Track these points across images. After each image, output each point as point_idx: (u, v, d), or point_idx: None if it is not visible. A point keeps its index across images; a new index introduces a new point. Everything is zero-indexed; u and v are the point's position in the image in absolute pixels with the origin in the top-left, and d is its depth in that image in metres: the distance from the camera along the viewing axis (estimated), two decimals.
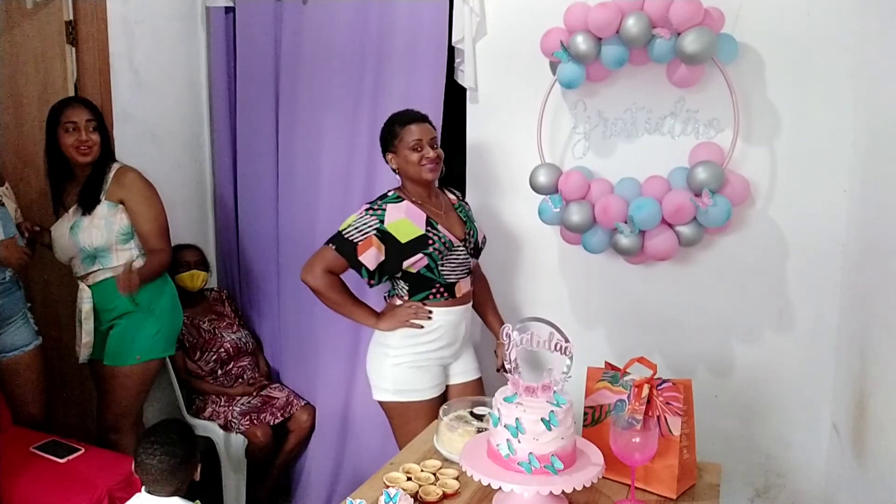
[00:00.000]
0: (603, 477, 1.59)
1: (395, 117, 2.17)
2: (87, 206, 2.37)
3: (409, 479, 1.71)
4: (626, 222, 2.13)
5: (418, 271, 2.11)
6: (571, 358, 1.50)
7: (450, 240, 2.12)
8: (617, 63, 2.12)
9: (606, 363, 1.83)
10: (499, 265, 2.56)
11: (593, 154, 2.36)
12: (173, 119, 3.00)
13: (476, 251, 2.25)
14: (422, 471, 1.75)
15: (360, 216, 2.10)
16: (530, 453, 1.46)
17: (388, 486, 1.62)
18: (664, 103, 2.23)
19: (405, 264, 2.09)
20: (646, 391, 1.65)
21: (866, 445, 1.80)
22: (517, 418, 1.47)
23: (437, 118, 2.56)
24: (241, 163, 3.03)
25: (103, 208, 2.37)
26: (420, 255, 2.07)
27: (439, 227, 2.12)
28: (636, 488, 1.67)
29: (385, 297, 2.25)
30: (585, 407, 1.81)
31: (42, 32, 2.68)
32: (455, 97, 2.58)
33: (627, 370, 1.76)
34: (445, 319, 2.16)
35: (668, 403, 1.67)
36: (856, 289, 2.00)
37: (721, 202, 2.05)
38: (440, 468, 1.77)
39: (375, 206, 2.11)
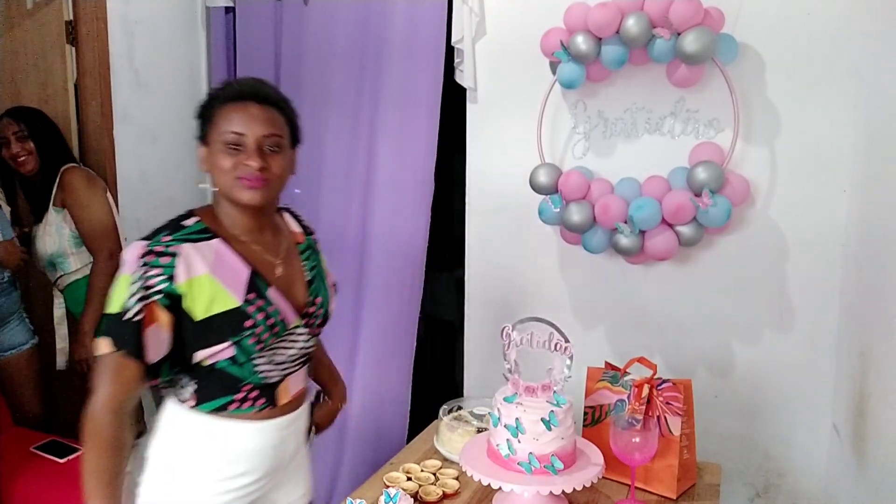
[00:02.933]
0: (603, 477, 1.59)
1: (217, 90, 1.40)
2: (37, 215, 2.39)
3: (409, 479, 1.72)
4: (626, 222, 2.13)
5: (213, 364, 1.31)
6: (571, 358, 1.50)
7: (282, 320, 1.35)
8: (617, 63, 2.11)
9: (606, 363, 1.83)
10: (499, 265, 2.56)
11: (593, 154, 2.36)
12: (173, 119, 3.00)
13: (322, 325, 1.50)
14: (422, 471, 1.75)
15: (133, 271, 1.26)
16: (530, 453, 1.46)
17: (388, 486, 1.62)
18: (664, 103, 2.23)
19: (198, 356, 1.30)
20: (646, 391, 1.65)
21: (866, 445, 1.80)
22: (517, 418, 1.47)
23: (435, 117, 2.56)
24: None
25: (51, 215, 2.37)
26: (227, 344, 1.29)
27: (270, 293, 1.33)
28: (636, 488, 1.67)
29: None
30: (585, 407, 1.81)
31: (42, 32, 2.68)
32: (455, 97, 2.58)
33: (627, 370, 1.76)
34: (258, 443, 1.38)
35: (668, 403, 1.67)
36: (856, 289, 2.00)
37: (721, 202, 2.05)
38: (440, 468, 1.77)
39: (158, 249, 1.26)
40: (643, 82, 2.24)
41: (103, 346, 1.26)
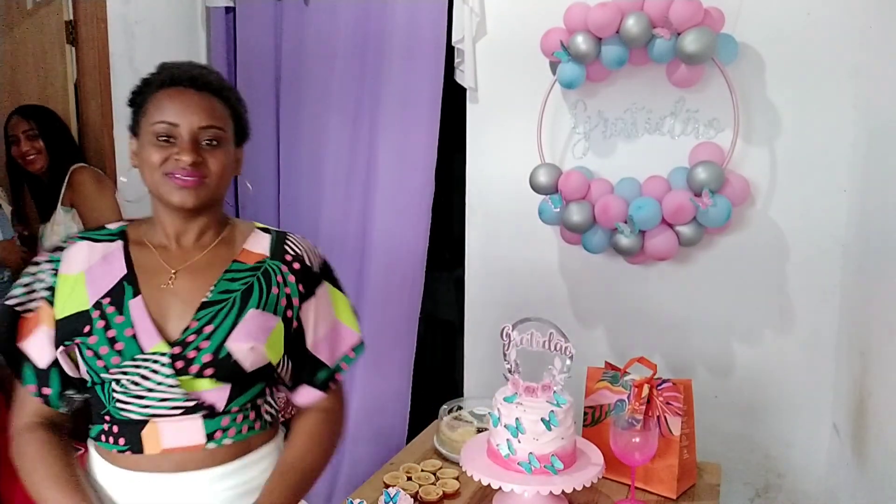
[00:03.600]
0: (603, 477, 1.59)
1: (152, 74, 1.25)
2: (44, 213, 2.39)
3: (409, 478, 1.72)
4: (626, 222, 2.13)
5: (88, 382, 1.18)
6: (571, 358, 1.50)
7: (131, 336, 1.11)
8: (617, 63, 2.11)
9: (606, 363, 1.83)
10: (499, 265, 2.56)
11: (593, 154, 2.36)
12: None
13: (220, 368, 1.14)
14: (422, 471, 1.75)
15: (35, 264, 1.22)
16: (530, 453, 1.46)
17: (388, 486, 1.62)
18: (664, 103, 2.23)
19: (59, 360, 1.17)
20: (646, 391, 1.65)
21: (866, 445, 1.80)
22: (517, 418, 1.47)
23: (436, 117, 2.56)
24: (244, 161, 3.02)
25: (59, 214, 2.37)
26: (60, 350, 1.15)
27: (131, 303, 1.13)
28: (636, 488, 1.67)
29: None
30: (585, 407, 1.81)
31: (42, 32, 2.68)
32: (455, 97, 2.58)
33: (627, 370, 1.76)
34: (118, 494, 1.19)
35: (668, 403, 1.67)
36: (856, 289, 2.00)
37: (721, 202, 2.05)
38: (440, 468, 1.77)
39: (62, 244, 1.21)
40: (643, 82, 2.24)
41: None
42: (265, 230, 1.29)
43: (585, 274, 2.43)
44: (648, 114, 2.26)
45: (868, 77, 1.96)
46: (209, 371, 1.13)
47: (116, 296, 1.14)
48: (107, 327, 1.12)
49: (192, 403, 1.14)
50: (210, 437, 1.16)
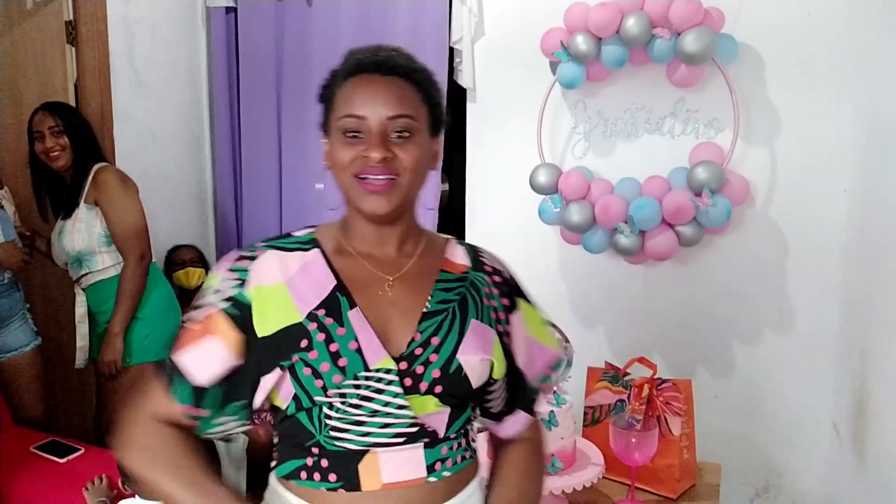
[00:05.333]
0: (603, 477, 1.59)
1: (340, 63, 1.06)
2: (67, 211, 2.38)
3: None
4: (626, 222, 2.13)
5: (287, 408, 1.00)
6: (571, 358, 1.50)
7: (356, 351, 0.97)
8: (617, 63, 2.11)
9: (606, 363, 1.83)
10: None
11: (593, 154, 2.35)
12: (173, 119, 3.00)
13: (450, 385, 1.01)
14: None
15: (214, 275, 1.05)
16: None
17: None
18: (664, 103, 2.23)
19: (262, 390, 0.99)
20: (646, 391, 1.65)
21: (866, 445, 1.80)
22: None
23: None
24: (245, 162, 3.03)
25: (82, 212, 2.36)
26: (278, 374, 0.97)
27: (351, 314, 1.00)
28: (636, 488, 1.67)
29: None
30: (585, 407, 1.81)
31: (42, 32, 2.68)
32: (455, 97, 2.58)
33: (627, 370, 1.76)
34: None
35: (668, 403, 1.67)
36: (856, 289, 2.00)
37: (721, 202, 2.05)
38: None
39: (245, 254, 1.05)
40: (643, 82, 2.24)
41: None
42: (458, 242, 1.17)
43: (585, 274, 2.43)
44: (648, 114, 2.26)
45: (868, 77, 1.96)
46: (438, 388, 0.99)
47: (332, 307, 0.99)
48: (328, 340, 0.96)
49: (415, 429, 0.99)
50: (430, 468, 1.01)
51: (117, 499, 2.00)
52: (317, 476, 0.99)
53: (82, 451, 2.25)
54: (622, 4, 2.05)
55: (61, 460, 2.19)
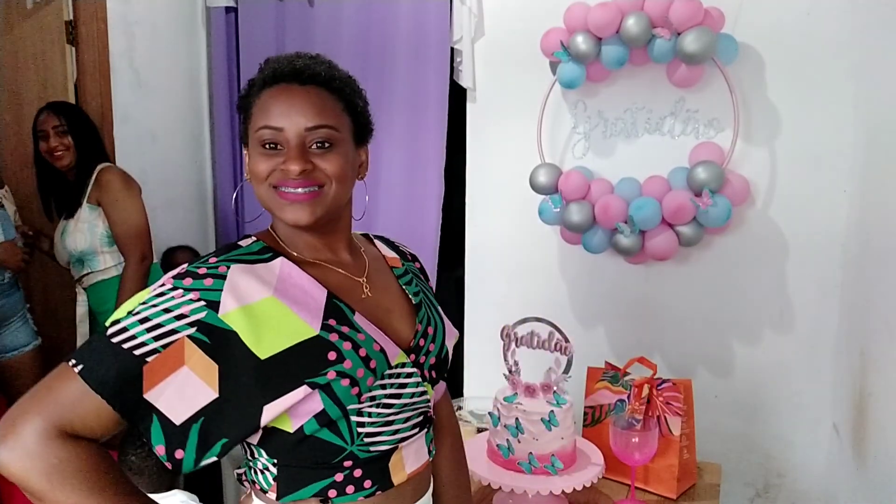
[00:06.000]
0: (603, 477, 1.59)
1: (258, 72, 1.02)
2: (69, 211, 2.38)
3: None
4: (626, 222, 2.13)
5: (301, 429, 0.94)
6: (571, 358, 1.50)
7: (380, 351, 0.98)
8: (617, 63, 2.11)
9: (606, 363, 1.83)
10: (499, 265, 2.56)
11: (593, 154, 2.36)
12: (173, 119, 3.00)
13: (440, 369, 1.10)
14: None
15: (155, 292, 0.94)
16: (530, 453, 1.46)
17: None
18: (664, 103, 2.23)
19: (268, 413, 0.91)
20: (646, 391, 1.65)
21: (866, 445, 1.80)
22: (517, 418, 1.47)
23: (442, 118, 2.56)
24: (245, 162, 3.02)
25: (85, 211, 2.36)
26: (305, 391, 0.91)
27: (356, 317, 0.99)
28: (636, 488, 1.67)
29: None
30: (585, 407, 1.81)
31: (42, 32, 2.68)
32: (455, 97, 2.58)
33: (627, 370, 1.76)
34: None
35: (668, 403, 1.67)
36: (856, 289, 2.00)
37: (721, 202, 2.05)
38: None
39: (199, 270, 0.93)
40: (643, 82, 2.24)
41: (66, 365, 0.92)
42: (373, 237, 1.23)
43: (585, 274, 2.43)
44: (648, 114, 2.26)
45: (868, 77, 1.96)
46: (434, 373, 1.07)
47: (338, 315, 0.97)
48: (355, 346, 0.95)
49: (423, 417, 1.05)
50: (429, 450, 1.09)
51: None
52: (350, 489, 0.97)
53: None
54: (622, 4, 2.05)
55: None
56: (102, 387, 0.87)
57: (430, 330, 1.08)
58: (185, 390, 0.88)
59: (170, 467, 0.90)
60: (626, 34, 2.03)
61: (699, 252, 2.25)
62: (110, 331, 0.92)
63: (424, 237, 2.63)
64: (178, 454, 0.89)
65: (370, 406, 0.96)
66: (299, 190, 0.96)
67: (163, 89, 2.93)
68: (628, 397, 1.67)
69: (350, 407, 0.94)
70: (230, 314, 0.90)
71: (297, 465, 0.95)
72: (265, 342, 0.90)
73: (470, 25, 2.43)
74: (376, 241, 1.21)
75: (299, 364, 0.91)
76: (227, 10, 2.96)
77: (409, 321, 1.06)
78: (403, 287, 1.11)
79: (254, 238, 1.03)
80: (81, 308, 2.44)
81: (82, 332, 2.44)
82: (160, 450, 0.89)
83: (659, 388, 1.67)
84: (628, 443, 1.54)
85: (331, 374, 0.92)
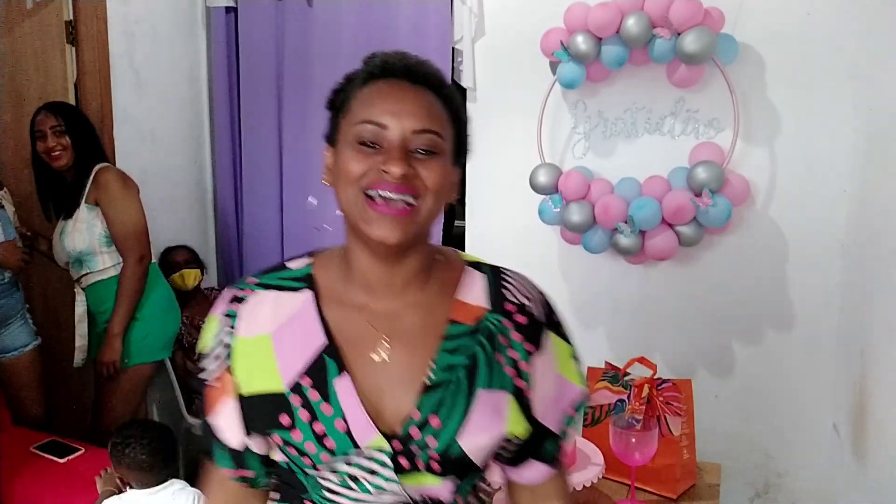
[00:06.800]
0: (603, 477, 1.59)
1: (363, 65, 0.93)
2: (68, 211, 2.38)
3: None
4: (626, 222, 2.13)
5: (287, 465, 0.92)
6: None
7: (345, 433, 0.87)
8: (617, 63, 2.11)
9: (606, 363, 1.83)
10: (499, 265, 2.56)
11: (593, 154, 2.35)
12: (173, 119, 3.00)
13: (455, 465, 0.89)
14: None
15: (216, 317, 0.95)
16: None
17: None
18: (664, 103, 2.23)
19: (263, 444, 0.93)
20: (646, 391, 1.65)
21: (866, 445, 1.80)
22: None
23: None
24: (245, 163, 3.03)
25: (83, 212, 2.36)
26: (259, 439, 0.91)
27: (337, 383, 0.87)
28: (636, 488, 1.67)
29: None
30: (585, 407, 1.81)
31: (42, 32, 2.68)
32: None
33: (627, 370, 1.76)
34: None
35: (668, 403, 1.67)
36: (856, 289, 2.00)
37: (721, 202, 2.05)
38: None
39: (236, 293, 0.94)
40: (643, 82, 2.24)
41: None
42: (476, 265, 0.99)
43: (585, 274, 2.43)
44: (648, 114, 2.26)
45: (868, 77, 1.96)
46: (437, 467, 0.88)
47: (317, 375, 0.87)
48: (312, 419, 0.86)
49: (417, 497, 0.90)
50: None
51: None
52: None
53: (82, 451, 2.25)
54: (622, 4, 2.05)
55: (61, 460, 2.19)
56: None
57: (436, 422, 0.87)
58: (232, 418, 0.92)
59: (240, 486, 0.96)
60: (626, 34, 2.03)
61: (699, 252, 2.25)
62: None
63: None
64: (245, 473, 0.95)
65: (330, 474, 0.88)
66: (394, 196, 0.83)
67: (163, 89, 2.93)
68: (628, 397, 1.67)
69: (307, 471, 0.89)
70: (236, 339, 0.91)
71: (283, 484, 0.96)
72: (245, 379, 0.90)
73: (470, 25, 2.43)
74: (474, 280, 0.96)
75: (259, 414, 0.89)
76: (227, 10, 2.96)
77: (409, 402, 0.87)
78: (434, 356, 0.89)
79: (308, 261, 0.96)
80: (80, 308, 2.44)
81: (81, 332, 2.44)
82: (227, 472, 0.95)
83: (659, 388, 1.67)
84: (628, 443, 1.54)
85: (276, 438, 0.88)
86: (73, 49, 2.66)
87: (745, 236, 2.21)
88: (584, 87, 2.24)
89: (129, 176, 2.44)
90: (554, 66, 2.25)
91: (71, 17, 2.65)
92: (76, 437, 2.40)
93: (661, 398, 1.67)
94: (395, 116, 0.85)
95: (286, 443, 0.87)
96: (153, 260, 2.51)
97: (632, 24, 2.01)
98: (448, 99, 0.91)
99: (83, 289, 2.43)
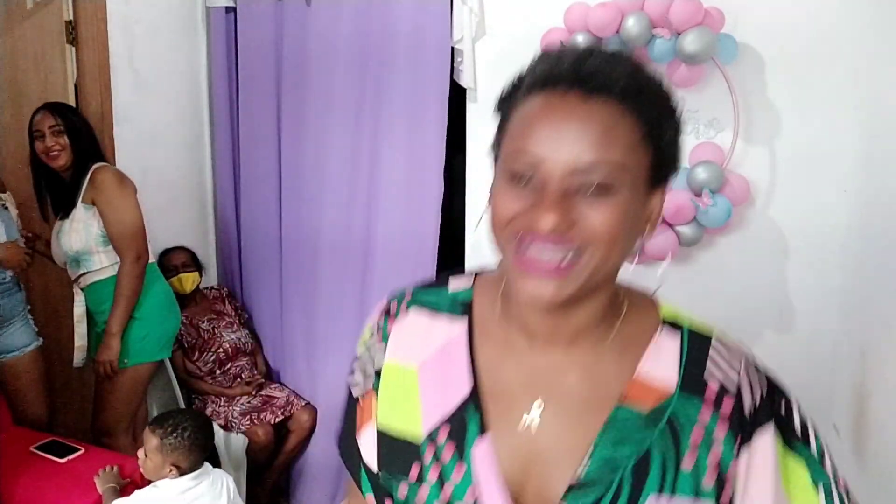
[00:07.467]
0: None
1: (531, 66, 0.77)
2: (65, 211, 2.38)
3: None
4: None
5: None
6: None
7: (472, 502, 0.71)
8: None
9: None
10: None
11: None
12: (173, 119, 3.00)
13: None
14: None
15: (369, 327, 0.87)
16: None
17: None
18: None
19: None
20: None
21: (866, 445, 1.80)
22: None
23: (442, 118, 2.55)
24: (244, 163, 3.03)
25: (80, 211, 2.36)
26: (377, 476, 0.80)
27: (476, 451, 0.72)
28: None
29: None
30: None
31: (42, 32, 2.68)
32: (455, 97, 2.58)
33: None
34: None
35: None
36: (856, 289, 2.00)
37: (721, 202, 2.05)
38: None
39: (392, 306, 0.84)
40: None
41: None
42: (674, 324, 0.79)
43: None
44: None
45: (868, 77, 1.96)
46: None
47: (457, 428, 0.73)
48: (441, 479, 0.72)
49: None
50: None
51: (127, 486, 2.03)
52: None
53: (82, 451, 2.25)
54: (622, 4, 2.05)
55: (61, 460, 2.18)
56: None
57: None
58: (372, 442, 0.80)
59: None
60: (626, 34, 2.03)
61: (699, 252, 2.25)
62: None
63: (424, 238, 2.62)
64: (388, 501, 0.78)
65: None
66: (545, 256, 0.66)
67: (163, 89, 2.93)
68: None
69: None
70: (385, 362, 0.80)
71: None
72: (385, 410, 0.78)
73: (471, 25, 2.43)
74: (665, 345, 0.75)
75: (393, 456, 0.76)
76: (227, 10, 2.96)
77: (559, 486, 0.69)
78: (599, 436, 0.70)
79: (471, 282, 0.81)
80: (79, 308, 2.44)
81: (80, 332, 2.44)
82: (371, 499, 0.80)
83: None
84: None
85: (402, 489, 0.74)
86: (73, 49, 2.66)
87: (745, 236, 2.21)
88: None
89: (125, 175, 2.44)
90: None
91: (71, 17, 2.65)
92: (76, 437, 2.41)
93: None
94: (553, 144, 0.65)
95: (409, 497, 0.74)
96: (152, 260, 2.50)
97: (632, 24, 2.01)
98: (641, 109, 0.67)
99: (82, 289, 2.43)
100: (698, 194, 2.05)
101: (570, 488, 0.69)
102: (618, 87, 0.66)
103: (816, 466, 0.71)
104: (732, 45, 2.07)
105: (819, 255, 2.13)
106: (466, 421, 0.72)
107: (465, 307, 0.79)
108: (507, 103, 0.75)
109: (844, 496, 0.70)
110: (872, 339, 1.81)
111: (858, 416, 1.86)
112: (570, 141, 0.65)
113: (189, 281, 2.85)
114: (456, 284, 0.82)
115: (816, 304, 2.15)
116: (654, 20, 2.02)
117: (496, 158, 0.74)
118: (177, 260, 2.86)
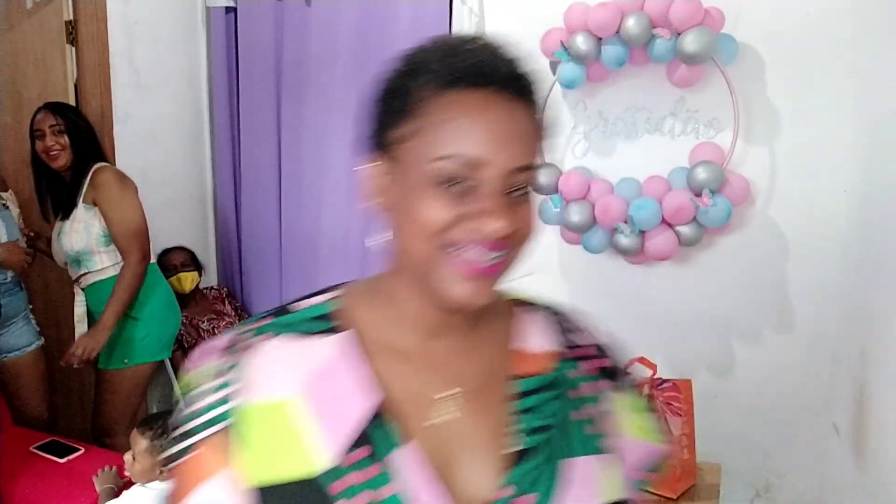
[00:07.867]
0: None
1: (425, 50, 0.70)
2: (65, 211, 2.38)
3: None
4: (626, 222, 2.13)
5: None
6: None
7: None
8: (617, 63, 2.11)
9: None
10: None
11: (593, 154, 2.35)
12: (173, 119, 3.00)
13: None
14: None
15: (205, 369, 0.70)
16: None
17: None
18: (664, 103, 2.23)
19: None
20: (646, 391, 1.65)
21: (866, 445, 1.80)
22: None
23: None
24: (245, 162, 3.03)
25: (80, 211, 2.35)
26: None
27: (398, 455, 0.65)
28: None
29: None
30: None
31: (42, 32, 2.68)
32: None
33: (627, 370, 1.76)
34: None
35: (668, 403, 1.67)
36: (856, 289, 2.00)
37: (721, 202, 2.05)
38: None
39: (234, 341, 0.70)
40: (643, 82, 2.24)
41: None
42: (518, 301, 0.81)
43: (585, 274, 2.42)
44: (648, 114, 2.26)
45: (867, 77, 1.96)
46: None
47: (372, 445, 0.65)
48: (371, 500, 0.63)
49: None
50: None
51: (125, 486, 2.02)
52: None
53: (82, 451, 2.25)
54: (622, 4, 2.05)
55: (61, 460, 2.19)
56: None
57: (531, 499, 0.67)
58: (221, 497, 0.66)
59: None
60: (626, 34, 2.03)
61: (699, 252, 2.25)
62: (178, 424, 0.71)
63: None
64: None
65: None
66: (491, 255, 0.64)
67: (163, 89, 2.93)
68: None
69: None
70: (243, 408, 0.66)
71: None
72: (251, 460, 0.65)
73: (470, 25, 2.43)
74: (530, 322, 0.78)
75: None
76: (227, 9, 2.96)
77: (494, 474, 0.67)
78: (514, 416, 0.70)
79: (329, 296, 0.74)
80: (80, 308, 2.44)
81: (81, 332, 2.44)
82: None
83: (659, 388, 1.68)
84: None
85: None
86: (73, 49, 2.66)
87: (745, 236, 2.21)
88: (584, 87, 2.24)
89: (126, 175, 2.44)
90: (554, 66, 2.24)
91: (71, 17, 2.65)
92: (76, 437, 2.41)
93: (661, 398, 1.67)
94: (495, 147, 0.63)
95: None
96: (152, 260, 2.51)
97: (632, 24, 2.01)
98: (541, 110, 0.69)
99: (82, 289, 2.43)
100: (698, 194, 2.05)
101: (509, 463, 0.68)
102: (532, 89, 0.69)
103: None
104: (732, 45, 2.07)
105: (819, 255, 2.13)
106: (383, 433, 0.66)
107: (335, 321, 0.71)
108: (402, 95, 0.68)
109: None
110: (872, 338, 1.81)
111: (858, 416, 1.86)
112: (507, 143, 0.64)
113: (188, 280, 2.85)
114: (314, 302, 0.74)
115: (816, 304, 2.16)
116: (654, 20, 2.02)
117: (385, 150, 0.68)
118: (176, 259, 2.85)
